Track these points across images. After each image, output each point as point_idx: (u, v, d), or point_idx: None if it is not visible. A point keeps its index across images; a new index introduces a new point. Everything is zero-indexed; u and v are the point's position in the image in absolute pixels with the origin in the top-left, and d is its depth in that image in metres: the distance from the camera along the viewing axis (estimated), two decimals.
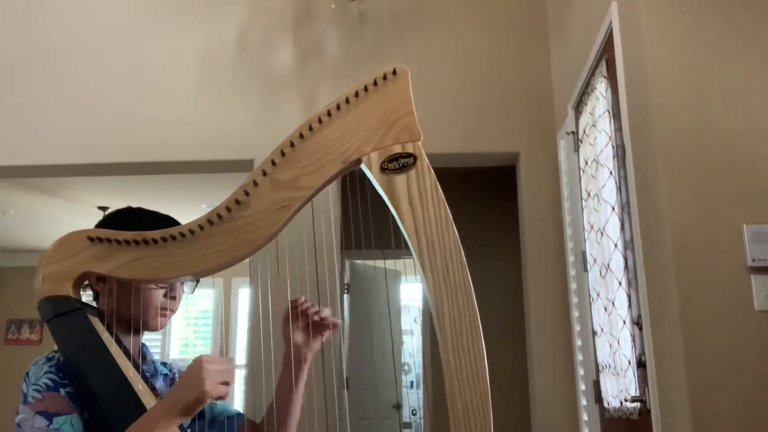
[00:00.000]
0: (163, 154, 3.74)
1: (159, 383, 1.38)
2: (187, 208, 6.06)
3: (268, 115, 3.75)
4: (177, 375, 1.46)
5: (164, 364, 1.46)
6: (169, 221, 1.36)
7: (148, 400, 1.20)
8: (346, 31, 3.85)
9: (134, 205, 1.45)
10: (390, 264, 5.81)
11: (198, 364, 1.13)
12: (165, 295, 1.36)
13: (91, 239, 1.24)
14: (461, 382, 1.11)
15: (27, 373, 1.20)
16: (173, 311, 1.39)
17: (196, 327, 7.91)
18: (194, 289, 1.43)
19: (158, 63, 3.86)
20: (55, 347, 1.22)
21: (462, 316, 1.14)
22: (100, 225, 1.37)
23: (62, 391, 1.17)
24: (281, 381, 1.41)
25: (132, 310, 1.30)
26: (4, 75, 3.90)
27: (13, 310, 7.72)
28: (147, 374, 1.31)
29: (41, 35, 3.95)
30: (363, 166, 1.22)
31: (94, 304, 1.33)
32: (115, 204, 5.88)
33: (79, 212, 6.18)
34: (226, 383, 1.13)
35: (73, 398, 1.17)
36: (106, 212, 1.42)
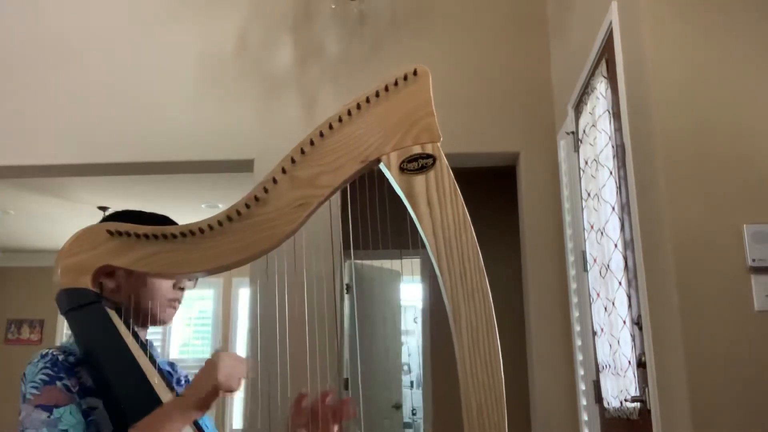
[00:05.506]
0: (163, 154, 3.74)
1: None
2: (187, 208, 6.07)
3: (268, 115, 3.75)
4: (183, 378, 1.48)
5: (171, 364, 1.48)
6: (165, 221, 1.37)
7: (163, 393, 1.22)
8: (346, 31, 3.85)
9: (134, 205, 1.45)
10: (390, 264, 5.80)
11: (213, 358, 1.17)
12: (174, 287, 1.38)
13: (110, 233, 1.24)
14: (476, 384, 1.10)
15: (24, 374, 1.22)
16: (180, 303, 1.40)
17: (196, 327, 7.91)
18: (195, 284, 1.45)
19: (159, 63, 3.86)
20: (49, 345, 1.23)
21: (479, 318, 1.12)
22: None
23: (58, 383, 1.19)
24: None
25: (142, 304, 1.33)
26: (4, 75, 3.90)
27: (13, 310, 7.72)
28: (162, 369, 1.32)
29: (41, 35, 3.95)
30: (382, 166, 1.21)
31: None
32: (115, 204, 5.88)
33: (79, 212, 6.17)
34: (239, 378, 1.17)
35: (69, 389, 1.19)
36: (106, 212, 1.41)
